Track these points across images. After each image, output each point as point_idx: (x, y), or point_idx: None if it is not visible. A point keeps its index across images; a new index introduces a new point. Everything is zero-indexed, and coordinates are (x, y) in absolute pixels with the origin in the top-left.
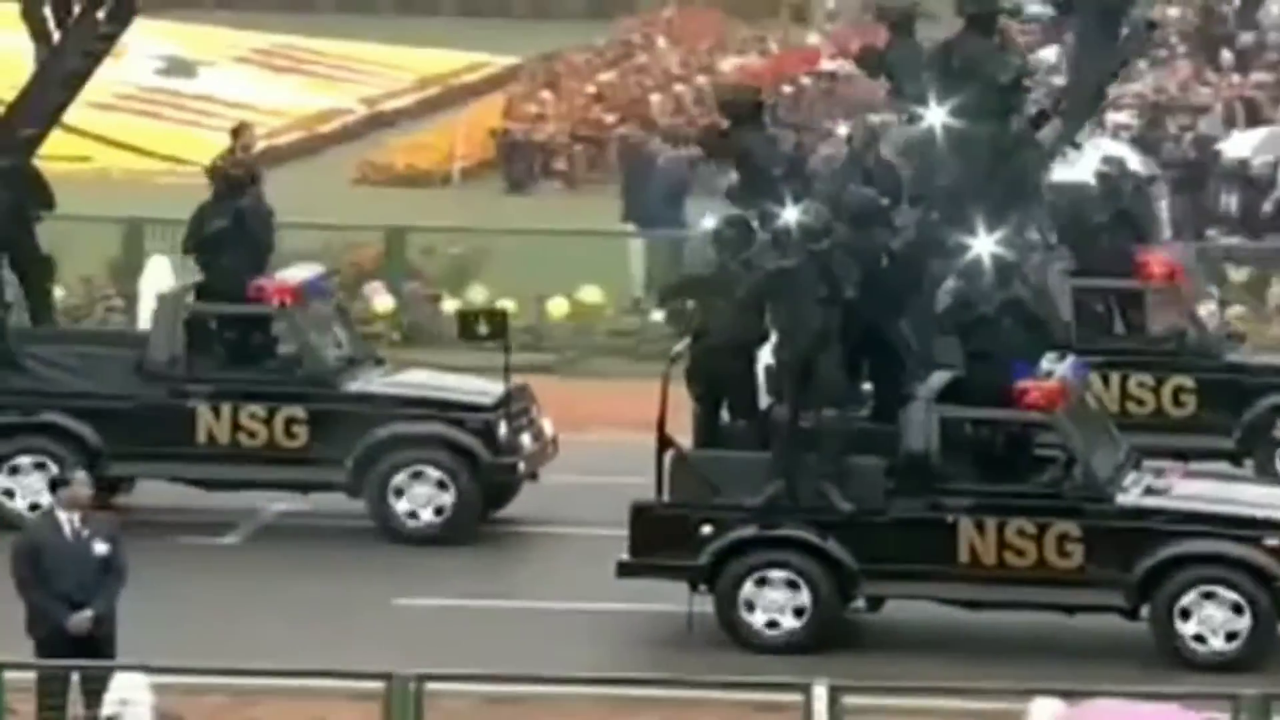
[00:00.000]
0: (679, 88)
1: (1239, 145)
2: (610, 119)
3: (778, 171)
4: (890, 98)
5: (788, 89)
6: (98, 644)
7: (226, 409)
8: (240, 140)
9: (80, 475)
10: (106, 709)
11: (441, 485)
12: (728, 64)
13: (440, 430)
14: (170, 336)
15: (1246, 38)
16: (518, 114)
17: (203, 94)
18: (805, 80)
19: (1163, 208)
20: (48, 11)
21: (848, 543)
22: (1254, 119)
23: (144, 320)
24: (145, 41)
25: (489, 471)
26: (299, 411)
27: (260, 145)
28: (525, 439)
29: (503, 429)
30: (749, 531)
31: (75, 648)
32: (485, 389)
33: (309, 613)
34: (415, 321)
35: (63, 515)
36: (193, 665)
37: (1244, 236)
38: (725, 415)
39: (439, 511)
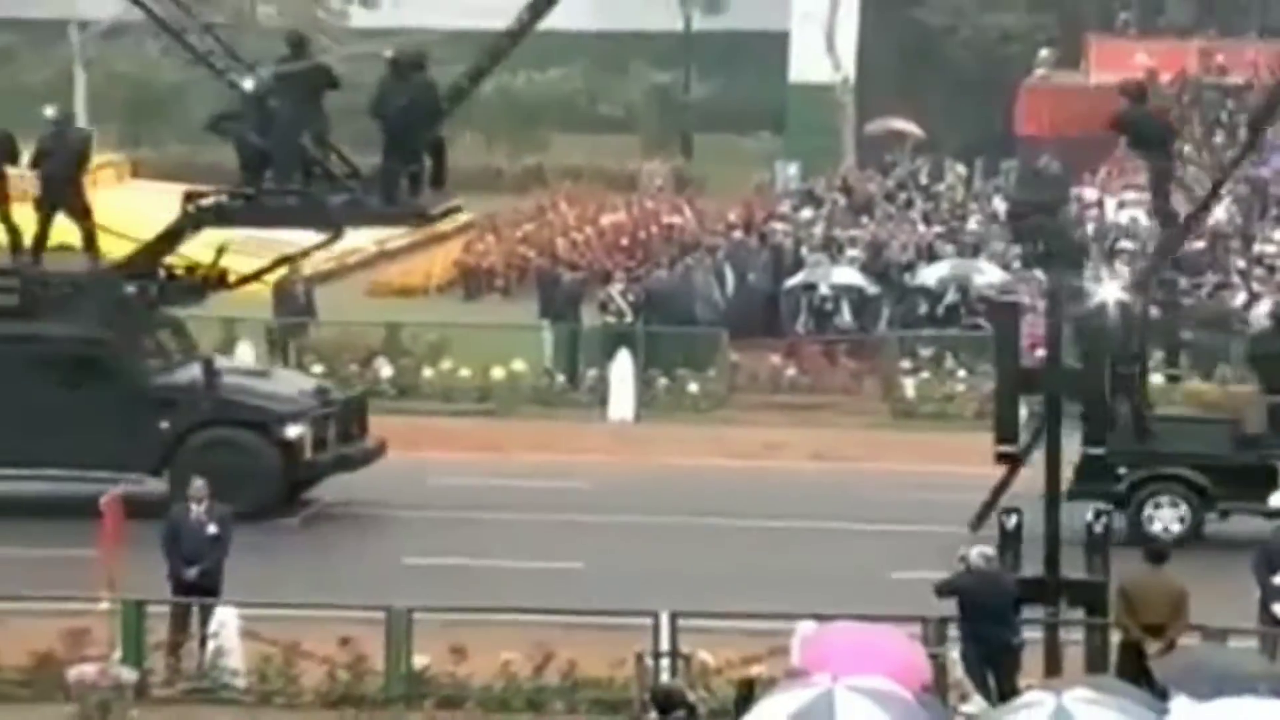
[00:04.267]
0: (575, 234)
1: (927, 274)
2: (531, 254)
3: None
4: None
5: (642, 235)
6: (207, 588)
7: None
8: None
9: (198, 483)
10: (211, 628)
11: None
12: (606, 219)
13: None
14: (1258, 416)
15: (927, 202)
16: (472, 251)
17: (271, 238)
18: (654, 229)
19: (884, 311)
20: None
21: None
22: (930, 254)
23: None
24: None
25: None
26: None
27: (308, 271)
28: None
29: None
30: None
31: (193, 591)
32: None
33: None
34: (408, 384)
35: (193, 505)
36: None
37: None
38: None
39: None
